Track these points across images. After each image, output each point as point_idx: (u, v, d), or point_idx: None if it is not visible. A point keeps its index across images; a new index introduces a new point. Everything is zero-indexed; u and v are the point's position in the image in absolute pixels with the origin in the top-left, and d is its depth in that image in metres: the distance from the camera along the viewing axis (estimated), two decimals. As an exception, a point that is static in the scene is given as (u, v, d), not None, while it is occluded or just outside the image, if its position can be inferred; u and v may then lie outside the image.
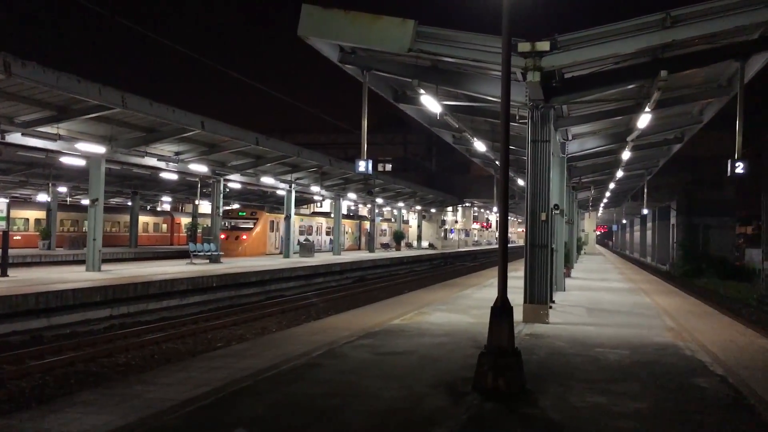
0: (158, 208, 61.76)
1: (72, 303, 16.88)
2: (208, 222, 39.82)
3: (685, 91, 17.09)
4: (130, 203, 48.50)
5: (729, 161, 13.37)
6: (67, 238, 44.04)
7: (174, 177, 32.49)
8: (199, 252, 30.37)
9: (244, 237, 40.00)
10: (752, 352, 10.96)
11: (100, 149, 21.97)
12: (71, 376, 11.83)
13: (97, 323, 17.33)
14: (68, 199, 49.56)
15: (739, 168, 13.30)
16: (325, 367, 9.00)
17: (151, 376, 8.66)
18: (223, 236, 39.44)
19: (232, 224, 40.63)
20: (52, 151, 22.65)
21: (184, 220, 57.78)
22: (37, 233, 42.21)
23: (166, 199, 55.29)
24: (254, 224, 40.60)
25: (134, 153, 24.14)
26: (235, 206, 48.02)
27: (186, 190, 44.85)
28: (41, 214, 43.40)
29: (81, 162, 24.46)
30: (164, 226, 57.32)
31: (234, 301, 23.42)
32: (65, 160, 24.53)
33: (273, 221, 42.18)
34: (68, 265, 29.74)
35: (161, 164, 26.54)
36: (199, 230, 43.40)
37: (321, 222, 50.08)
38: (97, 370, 12.41)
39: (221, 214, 32.16)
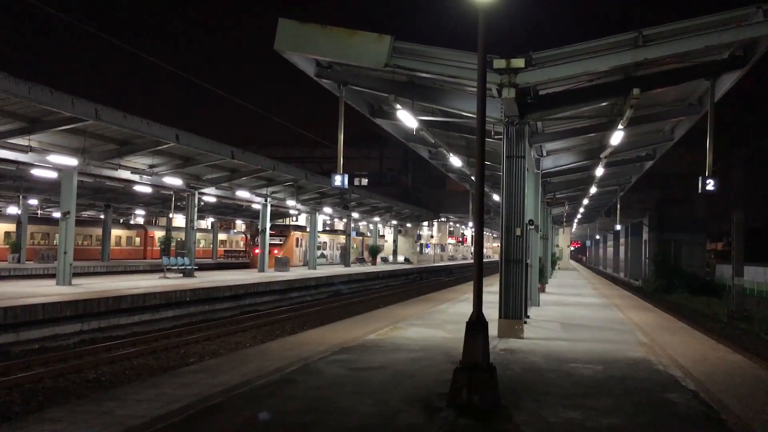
0: (131, 222, 61.07)
1: (41, 317, 16.56)
2: (182, 235, 39.54)
3: (657, 109, 17.37)
4: (102, 216, 47.90)
5: (700, 178, 13.57)
6: (37, 251, 43.34)
7: (148, 190, 32.15)
8: (172, 266, 30.03)
9: (276, 251, 44.99)
10: (723, 367, 11.09)
11: (72, 162, 21.67)
12: (39, 393, 11.57)
13: (67, 338, 17.02)
14: (39, 211, 48.83)
15: (710, 185, 13.49)
16: (299, 383, 8.91)
17: (122, 392, 8.51)
18: (258, 250, 43.11)
19: None
20: (23, 163, 22.30)
21: (158, 234, 57.24)
22: (7, 246, 41.47)
23: (140, 212, 54.72)
24: (284, 240, 47.09)
25: (107, 165, 23.88)
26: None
27: (160, 203, 44.48)
28: (11, 227, 42.67)
29: (53, 174, 24.12)
30: (137, 239, 56.67)
31: (207, 316, 23.16)
32: (37, 172, 24.17)
33: (298, 238, 49.37)
34: (38, 278, 29.22)
35: (135, 177, 26.27)
36: (173, 244, 43.23)
37: (333, 238, 57.53)
38: (67, 387, 12.16)
39: (194, 228, 31.90)
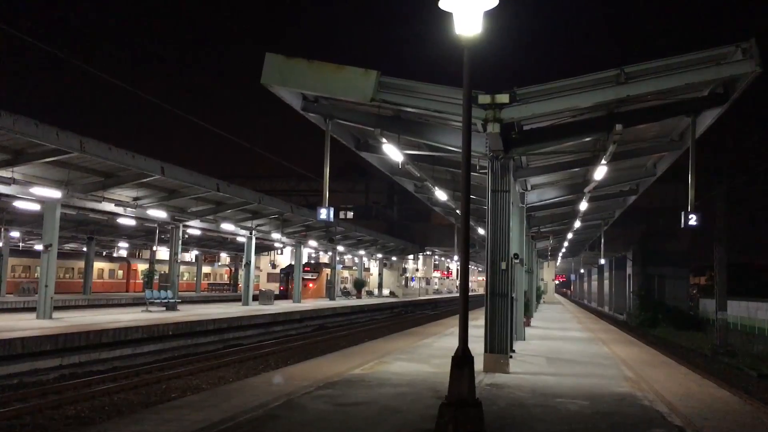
0: (114, 254, 60.54)
1: (20, 352, 16.28)
2: (165, 268, 39.27)
3: (640, 145, 17.58)
4: (85, 249, 47.44)
5: (683, 213, 13.70)
6: (17, 284, 42.77)
7: (132, 223, 31.94)
8: (155, 299, 29.71)
9: (311, 285, 52.56)
10: (708, 402, 11.07)
11: (55, 194, 21.52)
12: (17, 430, 11.33)
13: (46, 373, 16.70)
14: (21, 244, 48.31)
15: (693, 220, 13.62)
16: (283, 419, 8.79)
17: (102, 429, 8.37)
18: (293, 285, 49.85)
19: (301, 276, 51.44)
20: (5, 195, 22.11)
21: (141, 267, 56.73)
22: (-13, 279, 40.88)
23: (123, 244, 54.31)
24: (317, 276, 54.19)
25: (91, 198, 23.73)
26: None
27: (144, 236, 44.16)
28: (-9, 260, 42.15)
29: (36, 207, 23.93)
30: (120, 272, 56.11)
31: (190, 350, 22.87)
32: (19, 204, 23.98)
33: (328, 273, 55.27)
34: (18, 312, 28.77)
35: (119, 210, 26.13)
36: (157, 277, 42.92)
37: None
38: (45, 423, 11.91)
39: (178, 261, 31.68)
